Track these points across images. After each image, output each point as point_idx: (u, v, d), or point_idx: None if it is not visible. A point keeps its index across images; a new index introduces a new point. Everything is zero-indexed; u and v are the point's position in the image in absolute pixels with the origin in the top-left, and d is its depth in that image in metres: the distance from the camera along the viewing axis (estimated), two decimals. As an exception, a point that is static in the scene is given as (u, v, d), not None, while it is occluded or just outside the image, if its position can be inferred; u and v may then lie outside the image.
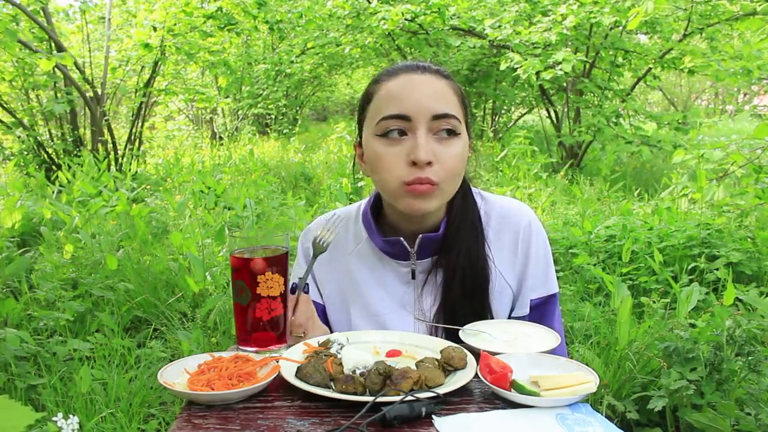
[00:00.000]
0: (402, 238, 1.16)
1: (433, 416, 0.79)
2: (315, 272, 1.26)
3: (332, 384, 0.86)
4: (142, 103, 7.30)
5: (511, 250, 1.19)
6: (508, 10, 7.47)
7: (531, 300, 1.19)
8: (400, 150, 1.07)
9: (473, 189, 1.23)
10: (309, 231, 1.28)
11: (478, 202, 1.21)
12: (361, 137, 1.18)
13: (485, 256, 1.16)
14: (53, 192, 5.81)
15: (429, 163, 1.06)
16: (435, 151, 1.07)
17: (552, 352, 0.97)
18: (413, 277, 1.18)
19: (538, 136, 9.10)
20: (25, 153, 7.28)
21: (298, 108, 14.09)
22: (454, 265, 1.15)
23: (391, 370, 0.86)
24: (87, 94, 6.93)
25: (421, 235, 1.15)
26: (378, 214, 1.23)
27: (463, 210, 1.18)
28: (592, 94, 7.49)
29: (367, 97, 1.15)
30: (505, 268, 1.18)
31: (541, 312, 1.19)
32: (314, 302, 1.24)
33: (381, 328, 1.14)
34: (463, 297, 1.13)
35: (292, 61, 10.66)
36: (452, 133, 1.09)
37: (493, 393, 0.85)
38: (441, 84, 1.11)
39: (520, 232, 1.19)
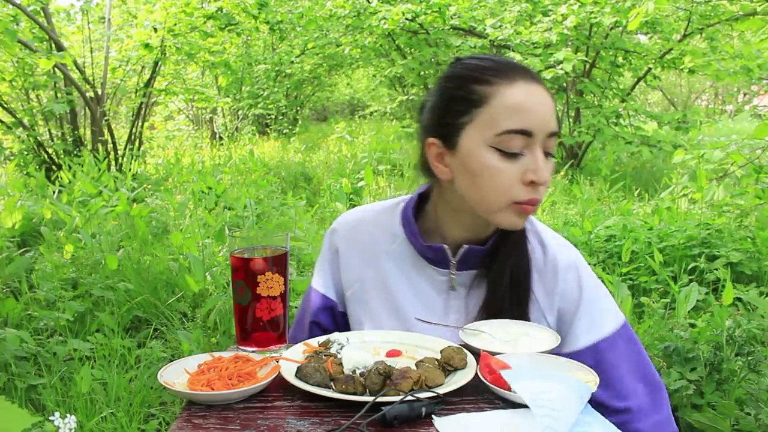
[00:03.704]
0: (446, 247, 1.10)
1: (433, 416, 0.79)
2: (341, 270, 1.19)
3: (332, 384, 0.86)
4: (142, 103, 7.30)
5: (549, 297, 1.11)
6: (509, 9, 7.48)
7: (586, 345, 1.10)
8: (515, 167, 1.00)
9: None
10: (335, 231, 1.22)
11: (531, 236, 1.14)
12: (449, 136, 1.05)
13: (529, 275, 1.10)
14: (53, 192, 5.81)
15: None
16: None
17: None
18: (452, 288, 1.12)
19: (538, 136, 9.08)
20: (25, 153, 7.28)
21: (298, 108, 14.10)
22: (497, 280, 1.09)
23: (391, 370, 0.86)
24: (87, 94, 6.93)
25: (466, 246, 1.09)
26: (416, 216, 1.16)
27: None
28: (592, 94, 7.49)
29: (474, 97, 1.02)
30: (540, 310, 1.11)
31: (598, 359, 1.08)
32: (322, 295, 1.20)
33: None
34: (504, 313, 1.08)
35: (292, 62, 10.67)
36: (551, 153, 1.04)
37: (493, 393, 0.85)
38: (549, 97, 1.04)
39: (562, 283, 1.11)
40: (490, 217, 1.04)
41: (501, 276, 1.09)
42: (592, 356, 1.08)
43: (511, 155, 1.00)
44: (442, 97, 1.07)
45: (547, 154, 1.03)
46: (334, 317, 1.22)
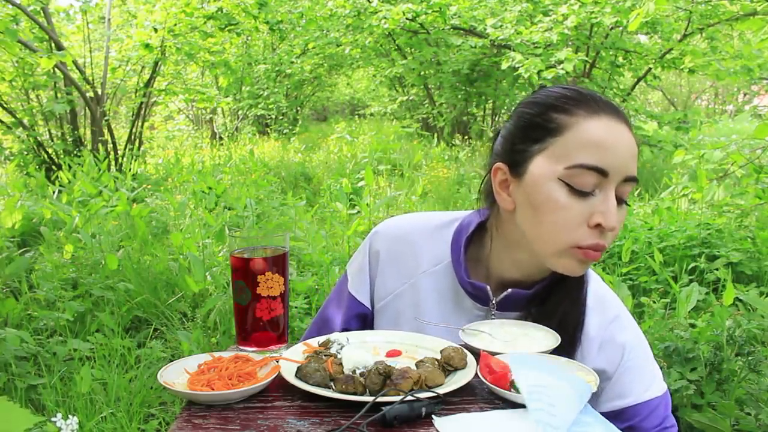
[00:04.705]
0: (488, 287, 1.04)
1: (433, 416, 0.79)
2: (377, 279, 1.14)
3: (332, 384, 0.86)
4: (142, 103, 7.30)
5: (584, 356, 1.04)
6: (509, 9, 7.48)
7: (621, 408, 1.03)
8: (583, 207, 0.93)
9: None
10: (377, 236, 1.16)
11: (589, 284, 1.06)
12: (518, 163, 0.99)
13: (580, 330, 1.03)
14: (53, 192, 5.81)
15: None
16: None
17: None
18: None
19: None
20: (25, 153, 7.28)
21: (298, 108, 14.10)
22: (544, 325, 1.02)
23: (391, 370, 0.86)
24: (87, 94, 6.93)
25: (510, 290, 1.04)
26: (467, 243, 1.09)
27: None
28: (592, 95, 7.47)
29: (551, 125, 0.96)
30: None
31: (628, 425, 1.02)
32: (358, 302, 1.16)
33: None
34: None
35: (292, 62, 10.68)
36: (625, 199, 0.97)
37: (493, 393, 0.85)
38: (634, 139, 0.96)
39: (599, 346, 1.04)
40: (547, 259, 0.98)
41: (547, 324, 1.02)
42: (620, 421, 1.02)
43: (580, 193, 0.93)
44: (517, 123, 1.01)
45: (621, 201, 0.96)
46: (365, 326, 1.17)
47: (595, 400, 0.99)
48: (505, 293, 1.04)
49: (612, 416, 1.01)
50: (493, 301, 1.05)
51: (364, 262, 1.16)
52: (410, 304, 1.11)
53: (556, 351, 0.97)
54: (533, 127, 0.98)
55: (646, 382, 1.04)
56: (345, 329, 1.16)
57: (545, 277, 1.05)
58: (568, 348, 1.00)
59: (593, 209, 0.93)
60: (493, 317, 1.06)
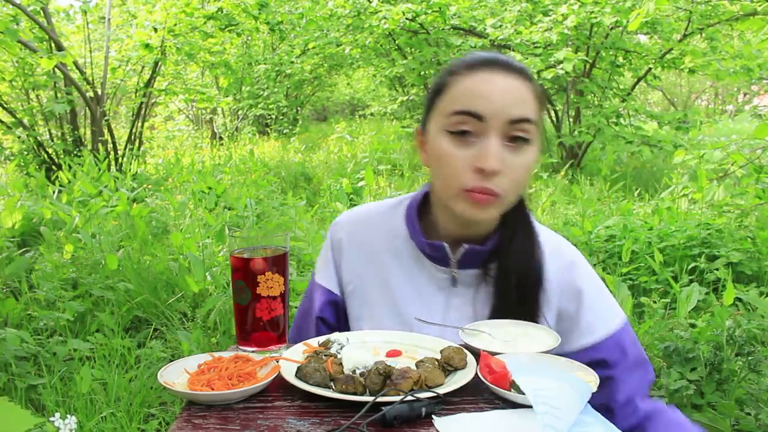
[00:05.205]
0: (446, 244, 1.09)
1: (433, 416, 0.79)
2: (342, 265, 1.20)
3: (332, 384, 0.86)
4: (142, 103, 7.30)
5: (547, 296, 1.10)
6: (509, 9, 7.48)
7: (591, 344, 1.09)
8: (466, 153, 1.00)
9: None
10: (337, 226, 1.22)
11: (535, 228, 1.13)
12: (425, 125, 1.11)
13: (540, 279, 1.09)
14: (53, 192, 5.81)
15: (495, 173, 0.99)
16: (504, 160, 0.99)
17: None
18: (454, 286, 1.12)
19: (538, 136, 9.08)
20: (25, 153, 7.28)
21: (298, 108, 14.10)
22: (504, 283, 1.08)
23: (391, 370, 0.86)
24: (87, 94, 6.93)
25: (466, 246, 1.08)
26: (420, 213, 1.17)
27: (518, 222, 1.10)
28: (592, 95, 7.48)
29: (439, 87, 1.07)
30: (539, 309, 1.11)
31: (599, 357, 1.08)
32: (327, 290, 1.20)
33: (408, 331, 1.08)
34: (516, 311, 1.07)
35: (292, 62, 10.68)
36: (525, 140, 1.01)
37: (493, 393, 0.85)
38: (522, 85, 1.03)
39: (560, 283, 1.10)
40: (451, 206, 1.05)
41: (507, 279, 1.08)
42: (592, 354, 1.08)
43: (460, 139, 1.01)
44: (429, 92, 1.13)
45: (520, 140, 1.01)
46: (338, 313, 1.21)
47: (565, 341, 1.05)
48: (463, 250, 1.09)
49: (584, 353, 1.08)
50: (452, 260, 1.10)
51: (328, 253, 1.22)
52: (377, 282, 1.16)
53: (520, 305, 1.06)
54: (433, 91, 1.10)
55: (608, 317, 1.11)
56: (319, 317, 1.21)
57: (491, 230, 1.11)
58: (532, 300, 1.07)
59: (476, 155, 1.00)
60: (455, 275, 1.11)
